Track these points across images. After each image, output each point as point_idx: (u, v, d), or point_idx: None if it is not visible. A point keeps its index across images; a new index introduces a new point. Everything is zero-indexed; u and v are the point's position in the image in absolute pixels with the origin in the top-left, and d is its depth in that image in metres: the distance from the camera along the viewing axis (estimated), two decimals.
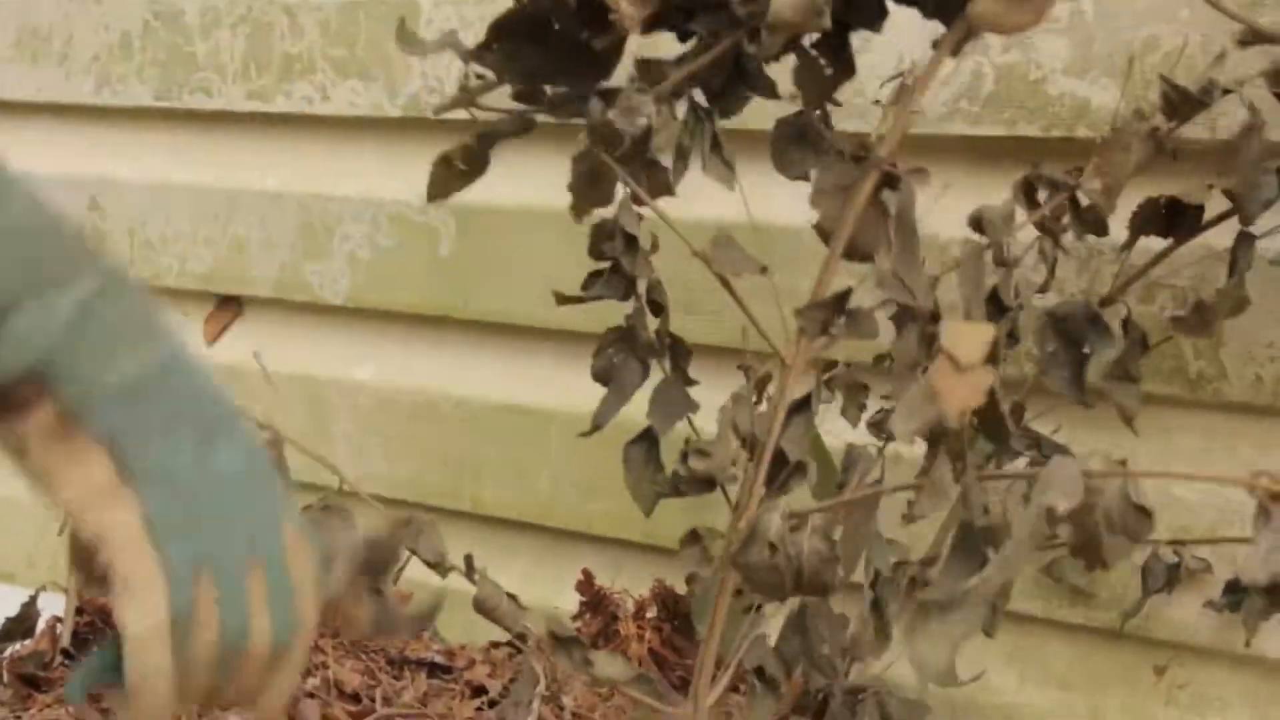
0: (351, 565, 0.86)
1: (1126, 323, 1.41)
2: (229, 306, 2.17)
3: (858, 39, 1.26)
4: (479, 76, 1.27)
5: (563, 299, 1.38)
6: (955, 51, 1.18)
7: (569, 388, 1.88)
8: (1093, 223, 1.39)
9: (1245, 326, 1.44)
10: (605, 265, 1.38)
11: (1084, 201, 1.35)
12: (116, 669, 0.78)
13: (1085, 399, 1.39)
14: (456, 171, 1.30)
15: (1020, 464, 1.49)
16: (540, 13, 1.21)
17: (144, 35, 2.15)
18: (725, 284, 1.24)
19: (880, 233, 1.15)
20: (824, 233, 1.19)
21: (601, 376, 1.39)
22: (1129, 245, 1.43)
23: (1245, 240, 1.37)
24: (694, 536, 1.32)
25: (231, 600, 0.78)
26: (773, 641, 1.53)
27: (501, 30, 1.23)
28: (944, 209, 1.39)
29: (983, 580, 0.98)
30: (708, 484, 1.33)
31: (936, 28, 1.21)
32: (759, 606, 1.44)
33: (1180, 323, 1.38)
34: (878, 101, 1.49)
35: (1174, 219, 1.41)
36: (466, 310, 1.94)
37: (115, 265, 0.80)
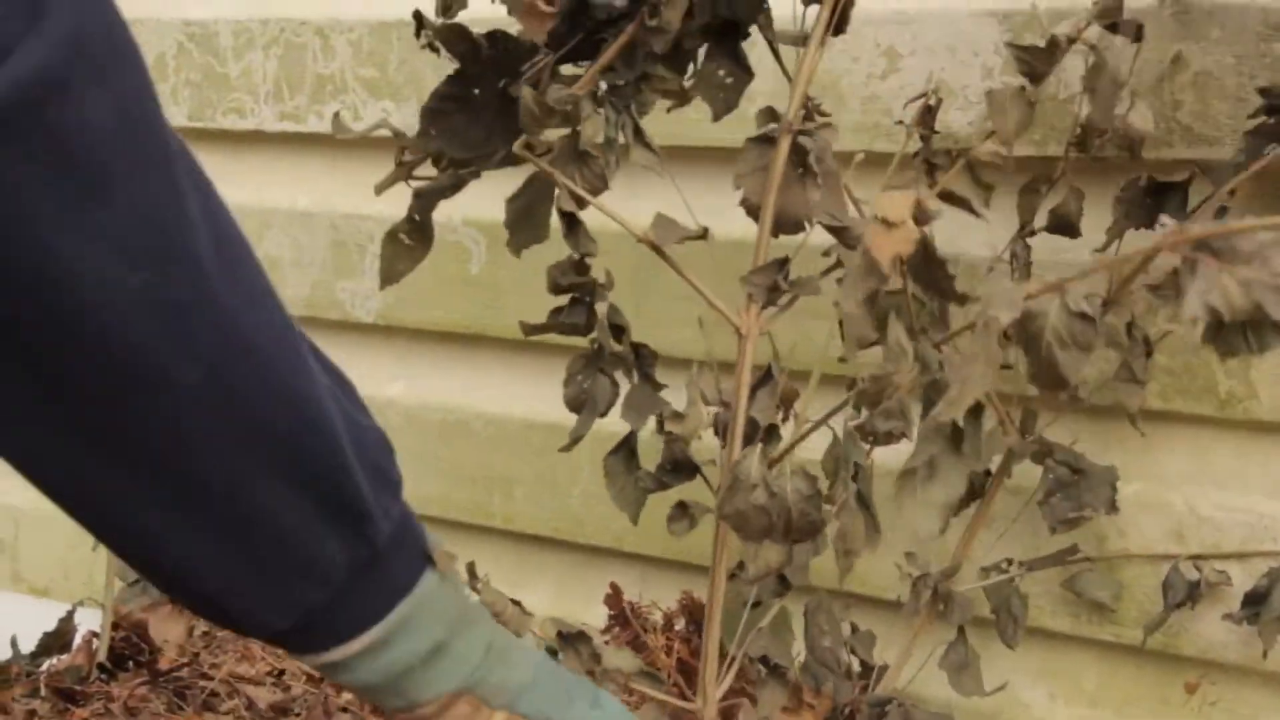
0: None
1: (1130, 325, 1.43)
2: None
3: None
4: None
5: (530, 329, 1.42)
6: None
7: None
8: (1063, 226, 1.43)
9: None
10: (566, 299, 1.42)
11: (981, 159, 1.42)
12: None
13: (1080, 400, 1.42)
14: (404, 248, 1.36)
15: (1037, 474, 1.51)
16: (465, 82, 1.25)
17: (178, 56, 2.17)
18: (672, 265, 1.28)
19: (802, 197, 1.19)
20: (751, 208, 1.24)
21: (574, 404, 1.43)
22: (1115, 236, 1.44)
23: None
24: (681, 507, 1.36)
25: None
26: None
27: (434, 114, 1.29)
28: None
29: (947, 403, 0.99)
30: (689, 470, 1.36)
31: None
32: (759, 603, 1.46)
33: (1157, 290, 1.38)
34: (900, 122, 1.52)
35: (1159, 202, 1.43)
36: (497, 328, 1.96)
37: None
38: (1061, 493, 1.49)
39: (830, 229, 1.19)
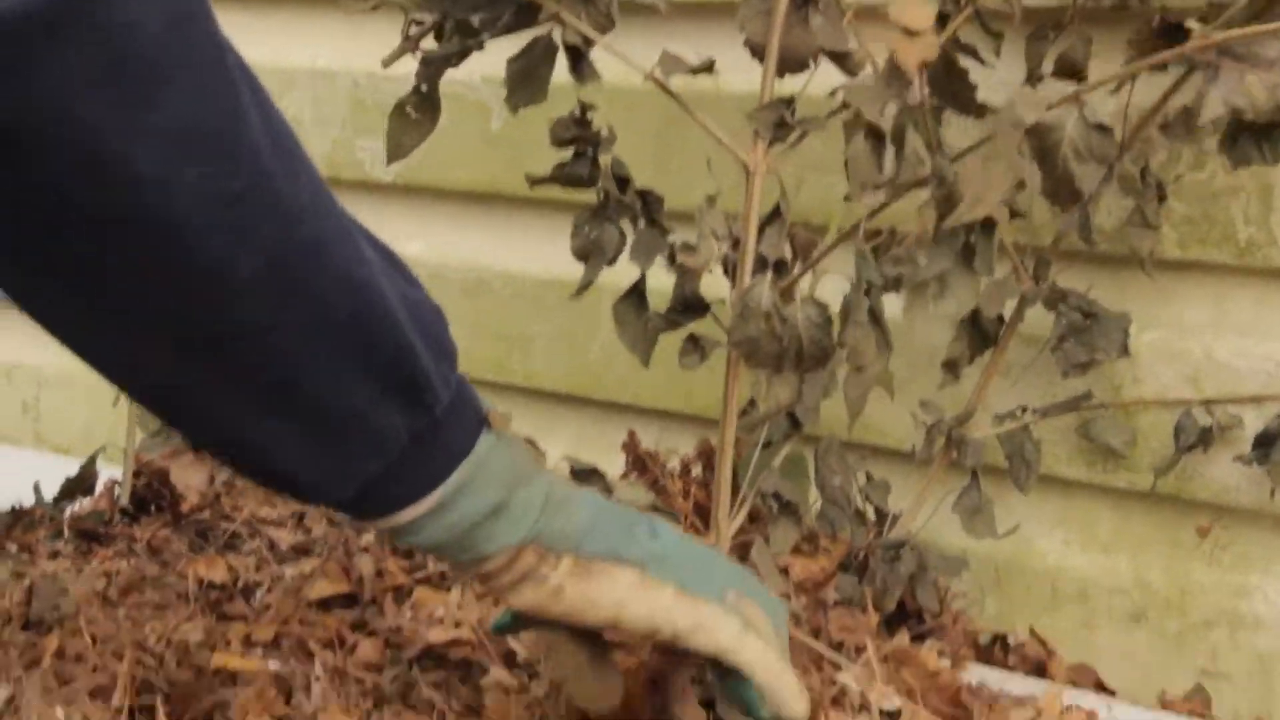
0: None
1: (1144, 170, 1.43)
2: None
3: None
4: (418, 22, 1.32)
5: (534, 180, 1.42)
6: None
7: (620, 260, 1.90)
8: (1069, 71, 1.42)
9: None
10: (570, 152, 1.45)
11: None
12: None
13: (1091, 239, 1.42)
14: (411, 122, 1.36)
15: (1050, 324, 1.51)
16: None
17: None
18: (679, 102, 1.30)
19: (805, 35, 1.21)
20: (755, 47, 1.26)
21: (582, 254, 1.44)
22: (1125, 79, 1.42)
23: None
24: (692, 341, 1.37)
25: (755, 593, 1.11)
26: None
27: None
28: None
29: (968, 204, 1.00)
30: (699, 307, 1.37)
31: None
32: (770, 442, 1.47)
33: (1166, 129, 1.38)
34: None
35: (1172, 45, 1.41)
36: (517, 186, 1.94)
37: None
38: (1074, 338, 1.49)
39: (832, 56, 1.19)
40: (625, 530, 1.06)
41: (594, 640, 1.12)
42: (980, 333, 1.52)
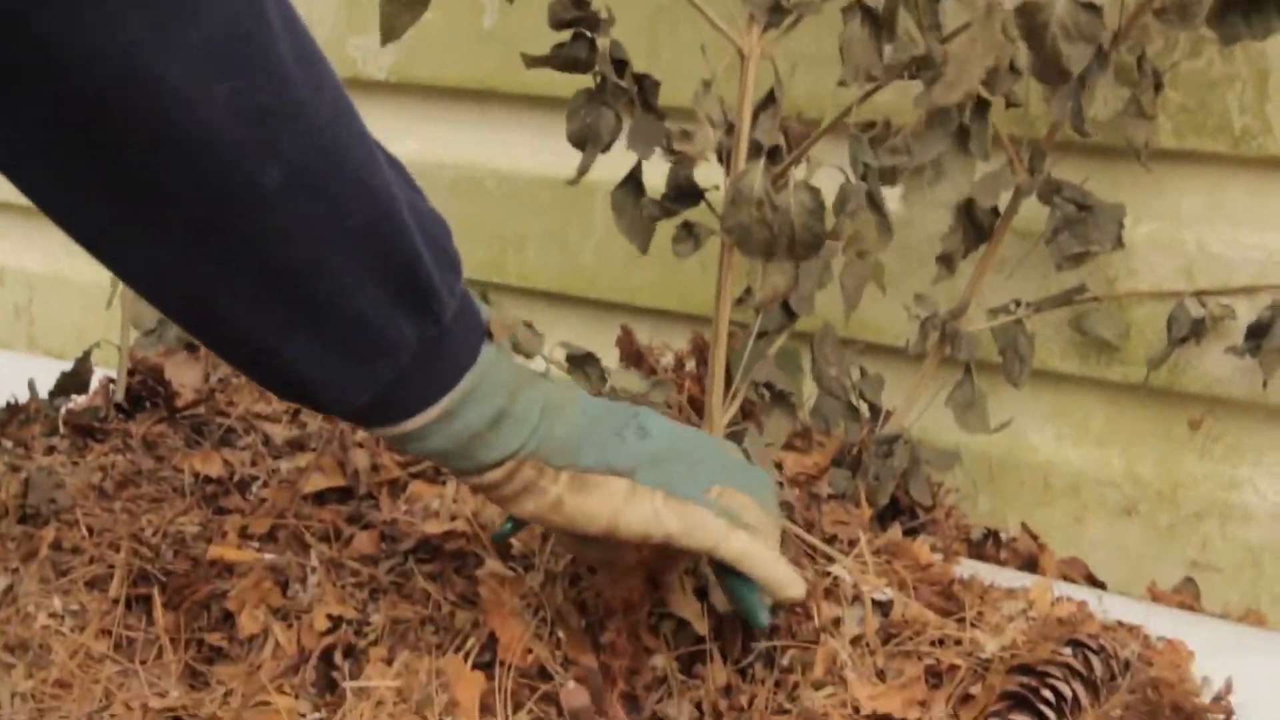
0: None
1: (1141, 59, 1.42)
2: None
3: None
4: None
5: (531, 61, 1.41)
6: None
7: (613, 159, 1.89)
8: None
9: None
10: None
11: None
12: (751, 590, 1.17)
13: (1084, 130, 1.41)
14: (404, 1, 1.34)
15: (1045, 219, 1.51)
16: None
17: None
18: None
19: None
20: None
21: (577, 139, 1.43)
22: None
23: None
24: (686, 228, 1.37)
25: (749, 483, 1.14)
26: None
27: None
28: None
29: (945, 85, 1.00)
30: (694, 195, 1.37)
31: None
32: (764, 333, 1.47)
33: (1161, 15, 1.37)
34: None
35: None
36: (510, 83, 1.94)
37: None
38: (1068, 230, 1.49)
39: None
40: (616, 435, 1.08)
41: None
42: (975, 225, 1.52)
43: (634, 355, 1.63)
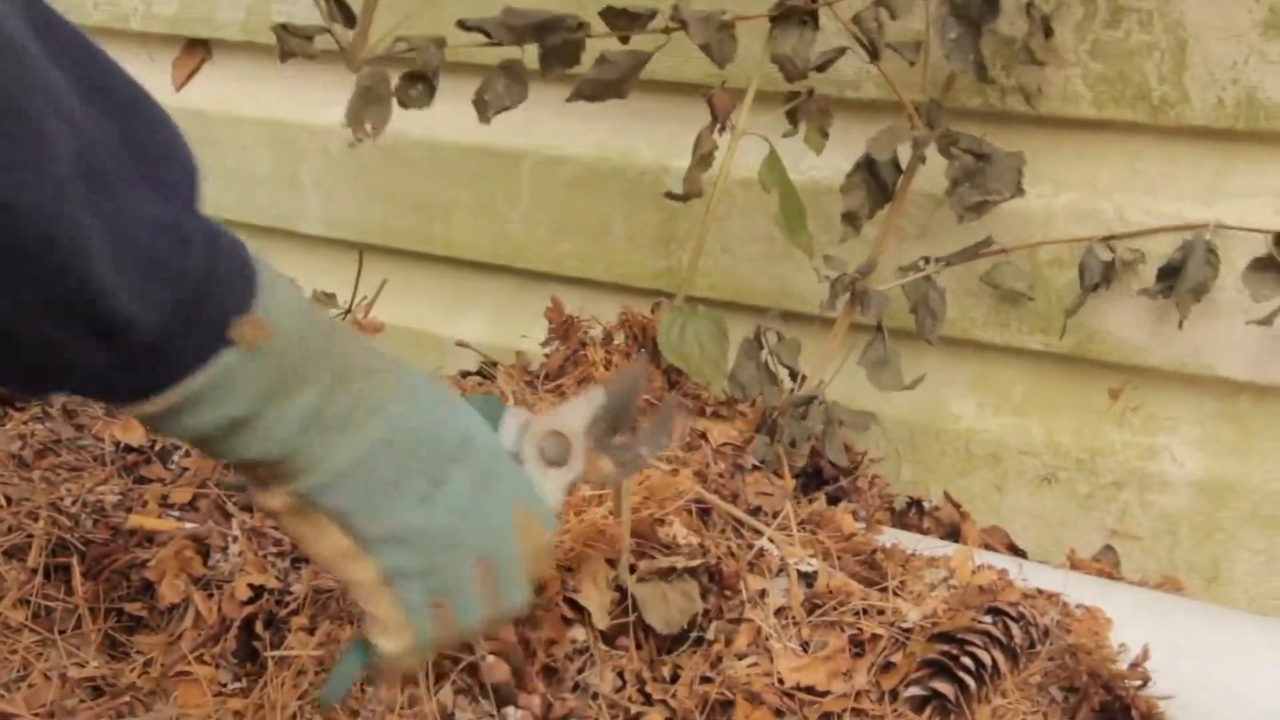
0: (587, 440, 1.06)
1: (1030, 6, 1.43)
2: (196, 50, 2.16)
3: None
4: None
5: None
6: None
7: (539, 127, 1.88)
8: None
9: (1209, 49, 1.45)
10: None
11: None
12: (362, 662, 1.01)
13: (986, 76, 1.42)
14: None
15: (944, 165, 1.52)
16: None
17: None
18: None
19: None
20: None
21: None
22: None
23: None
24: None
25: (465, 608, 1.00)
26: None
27: None
28: None
29: None
30: None
31: None
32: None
33: None
34: None
35: None
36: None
37: (349, 357, 0.95)
38: (968, 181, 1.50)
39: None
40: (395, 485, 0.97)
41: None
42: (878, 182, 1.53)
43: (563, 326, 1.63)
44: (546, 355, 1.66)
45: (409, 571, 0.98)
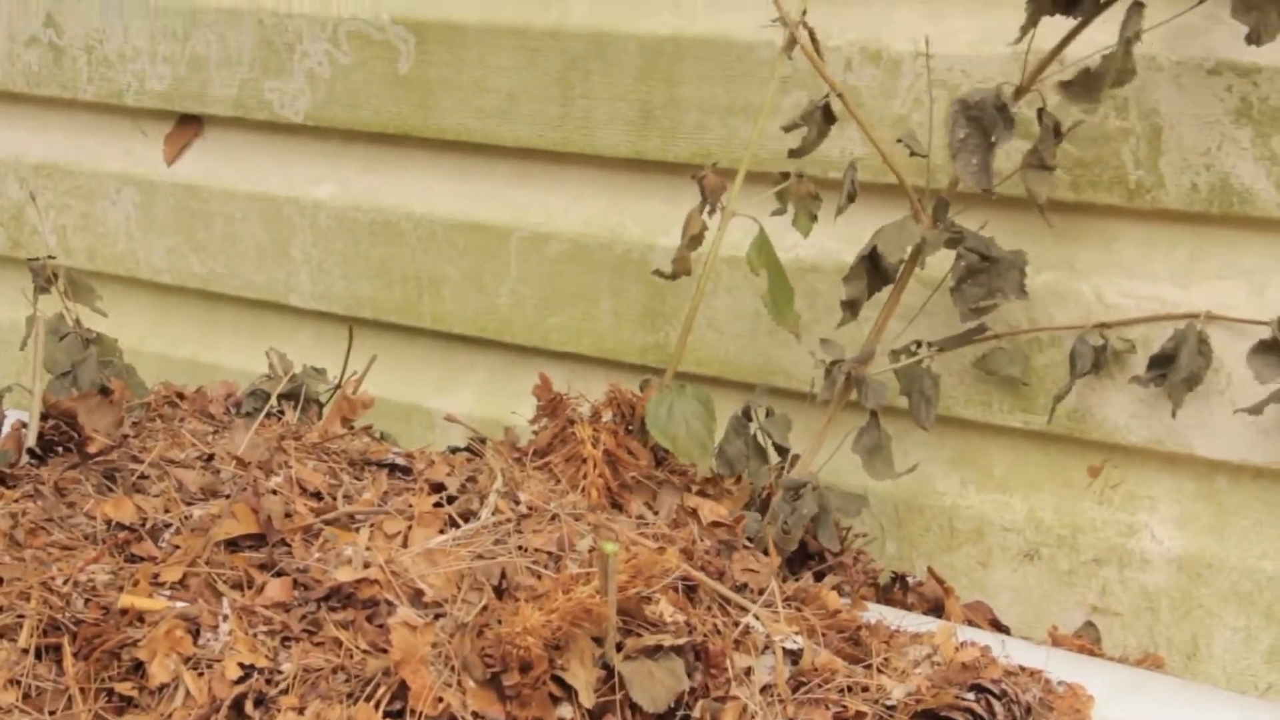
0: None
1: (1041, 112, 1.46)
2: (189, 125, 2.18)
3: None
4: None
5: None
6: None
7: (527, 204, 1.91)
8: None
9: (1183, 136, 1.48)
10: None
11: None
12: None
13: (990, 186, 1.44)
14: None
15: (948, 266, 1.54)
16: None
17: None
18: None
19: None
20: None
21: None
22: (1030, 24, 1.45)
23: (1135, 10, 1.40)
24: None
25: None
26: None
27: None
28: None
29: None
30: None
31: None
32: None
33: (1067, 88, 1.42)
34: None
35: None
36: (425, 128, 1.96)
37: None
38: (972, 279, 1.52)
39: None
40: None
41: None
42: (879, 272, 1.55)
43: (551, 403, 1.65)
44: (535, 432, 1.67)
45: None
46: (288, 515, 1.50)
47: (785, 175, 1.58)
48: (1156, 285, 1.52)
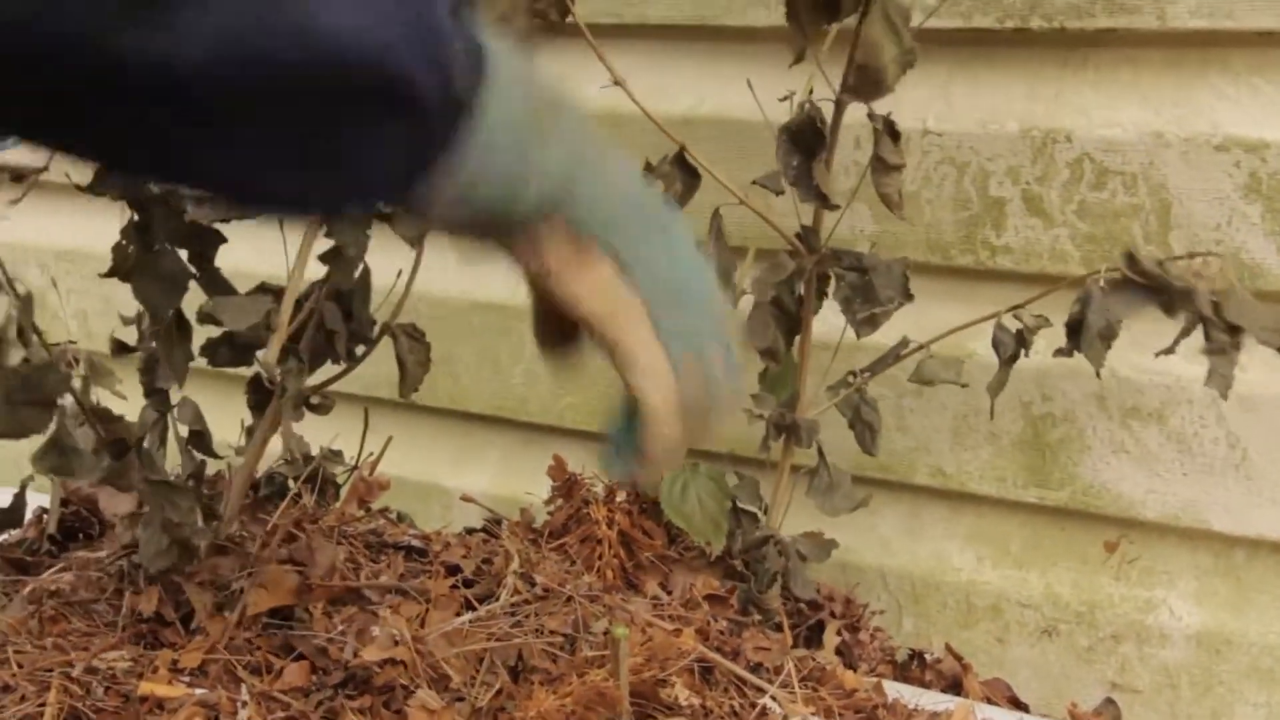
0: None
1: (871, 116, 1.48)
2: None
3: None
4: None
5: None
6: None
7: None
8: None
9: (1192, 211, 1.48)
10: None
11: None
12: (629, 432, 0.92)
13: (828, 205, 1.48)
14: None
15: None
16: None
17: None
18: None
19: None
20: None
21: None
22: None
23: None
24: None
25: (710, 376, 0.91)
26: None
27: None
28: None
29: None
30: None
31: None
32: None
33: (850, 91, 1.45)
34: None
35: None
36: None
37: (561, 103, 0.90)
38: (858, 296, 1.51)
39: None
40: (645, 229, 0.94)
41: None
42: (784, 315, 1.55)
43: (565, 484, 1.66)
44: (550, 513, 1.68)
45: (664, 309, 0.92)
46: (310, 588, 1.50)
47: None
48: (1169, 360, 1.52)
